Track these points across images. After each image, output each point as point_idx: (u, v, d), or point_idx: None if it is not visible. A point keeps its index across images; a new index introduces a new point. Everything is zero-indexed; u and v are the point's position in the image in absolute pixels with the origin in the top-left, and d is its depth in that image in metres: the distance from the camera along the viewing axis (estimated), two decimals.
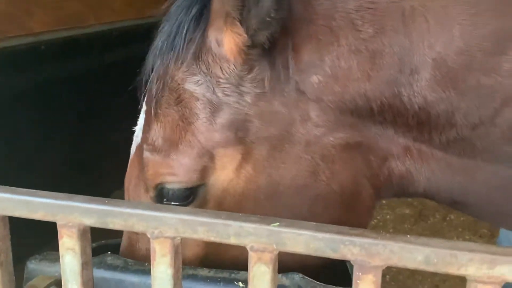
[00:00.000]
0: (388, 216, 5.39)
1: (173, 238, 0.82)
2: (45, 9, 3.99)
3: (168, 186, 1.23)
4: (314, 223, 0.81)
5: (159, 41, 1.28)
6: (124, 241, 1.35)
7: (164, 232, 0.81)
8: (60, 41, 4.12)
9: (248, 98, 1.20)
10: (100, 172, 4.40)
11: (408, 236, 0.78)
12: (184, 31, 1.22)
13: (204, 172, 1.21)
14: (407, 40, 1.17)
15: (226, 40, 1.18)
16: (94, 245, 1.23)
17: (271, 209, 1.23)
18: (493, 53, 1.16)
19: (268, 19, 1.11)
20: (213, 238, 0.81)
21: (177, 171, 1.21)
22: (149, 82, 1.31)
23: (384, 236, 0.78)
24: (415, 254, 0.76)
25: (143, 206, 0.84)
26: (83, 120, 4.32)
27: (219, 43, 1.19)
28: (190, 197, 1.23)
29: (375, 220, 5.31)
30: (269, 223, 0.80)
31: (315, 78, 1.19)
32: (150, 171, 1.24)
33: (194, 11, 1.22)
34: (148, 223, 0.82)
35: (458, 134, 1.22)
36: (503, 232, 1.90)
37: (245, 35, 1.14)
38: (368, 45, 1.18)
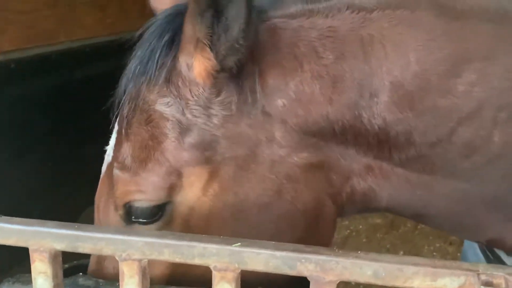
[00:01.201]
0: (360, 226, 5.48)
1: (140, 260, 0.86)
2: (15, 27, 3.99)
3: (137, 204, 1.27)
4: (273, 242, 0.87)
5: (132, 65, 1.33)
6: (92, 259, 1.39)
7: (132, 255, 0.86)
8: (29, 59, 4.13)
9: (216, 120, 1.25)
10: (73, 188, 4.39)
11: (359, 252, 0.84)
12: (157, 56, 1.27)
13: (172, 190, 1.26)
14: (366, 66, 1.24)
15: (196, 65, 1.23)
16: (66, 266, 1.26)
17: (236, 227, 1.28)
18: (448, 76, 1.23)
19: (236, 45, 1.18)
20: (178, 259, 0.86)
21: (146, 189, 1.25)
22: (121, 103, 1.35)
23: (337, 253, 0.84)
24: (365, 269, 0.82)
25: (111, 231, 0.89)
26: (55, 136, 4.31)
27: (189, 67, 1.25)
28: (157, 214, 1.27)
29: (348, 231, 5.40)
30: (231, 244, 0.86)
31: (280, 102, 1.25)
32: (120, 189, 1.28)
33: (166, 37, 1.28)
34: (116, 246, 0.87)
35: (417, 152, 1.29)
36: (467, 241, 1.97)
37: (214, 60, 1.20)
38: (330, 70, 1.25)
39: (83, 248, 0.88)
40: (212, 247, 0.85)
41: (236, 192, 1.27)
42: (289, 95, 1.25)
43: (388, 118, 1.25)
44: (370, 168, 1.33)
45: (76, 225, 0.90)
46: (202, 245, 0.85)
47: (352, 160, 1.32)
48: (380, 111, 1.25)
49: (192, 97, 1.24)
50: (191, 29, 1.19)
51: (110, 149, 1.37)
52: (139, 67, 1.30)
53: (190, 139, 1.24)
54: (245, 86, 1.25)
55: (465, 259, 1.95)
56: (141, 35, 1.34)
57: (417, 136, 1.26)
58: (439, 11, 1.25)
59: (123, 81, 1.34)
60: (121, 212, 1.30)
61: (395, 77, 1.23)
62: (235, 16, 1.14)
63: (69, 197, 4.45)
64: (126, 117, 1.30)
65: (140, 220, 1.27)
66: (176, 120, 1.25)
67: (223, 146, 1.25)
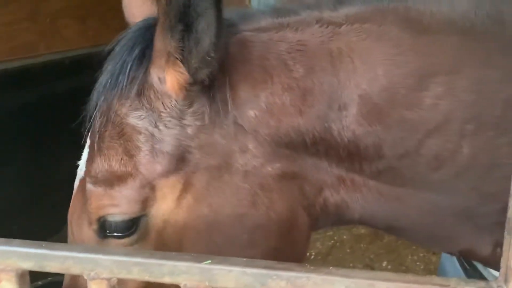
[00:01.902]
0: (344, 237, 5.48)
1: (109, 279, 0.85)
2: None
3: (111, 218, 1.26)
4: (244, 259, 0.86)
5: (103, 79, 1.33)
6: (66, 276, 1.37)
7: (100, 274, 0.84)
8: (9, 71, 4.09)
9: (189, 130, 1.25)
10: (53, 202, 4.34)
11: (331, 268, 0.83)
12: (128, 70, 1.27)
13: (146, 202, 1.25)
14: (335, 79, 1.25)
15: (168, 78, 1.24)
16: (40, 283, 1.24)
17: (211, 239, 1.27)
18: (415, 89, 1.24)
19: (207, 58, 1.18)
20: (147, 277, 0.84)
21: (119, 202, 1.25)
22: (92, 117, 1.34)
23: (308, 269, 0.83)
24: (337, 285, 0.81)
25: (79, 249, 0.87)
26: (36, 150, 4.27)
27: (161, 81, 1.25)
28: (132, 228, 1.26)
29: (332, 241, 5.40)
30: (201, 261, 0.84)
31: (251, 113, 1.26)
32: (93, 204, 1.27)
33: (137, 51, 1.28)
34: (84, 265, 0.85)
35: (387, 164, 1.30)
36: (445, 255, 1.98)
37: (186, 74, 1.21)
38: (300, 83, 1.26)
39: (50, 267, 0.86)
40: (182, 265, 0.83)
41: (210, 203, 1.26)
42: (260, 106, 1.26)
43: (357, 131, 1.26)
44: (343, 180, 1.34)
45: (43, 243, 0.88)
46: (172, 263, 0.83)
47: (325, 172, 1.33)
48: (349, 124, 1.26)
49: (165, 109, 1.25)
50: (162, 43, 1.20)
51: (82, 163, 1.36)
52: (110, 80, 1.30)
53: (164, 151, 1.24)
54: (216, 97, 1.25)
55: (443, 269, 1.96)
56: (112, 49, 1.34)
57: (386, 149, 1.27)
58: (406, 25, 1.27)
59: (94, 95, 1.34)
60: (95, 227, 1.29)
61: (364, 90, 1.24)
62: (205, 29, 1.14)
63: (50, 211, 4.40)
64: (98, 131, 1.29)
65: (114, 234, 1.27)
66: (149, 133, 1.25)
67: (197, 156, 1.25)
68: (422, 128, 1.26)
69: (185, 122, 1.25)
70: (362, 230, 5.57)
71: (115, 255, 0.85)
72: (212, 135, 1.26)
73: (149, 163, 1.25)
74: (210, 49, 1.17)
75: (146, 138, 1.25)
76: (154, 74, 1.25)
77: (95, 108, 1.33)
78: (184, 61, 1.19)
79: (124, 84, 1.27)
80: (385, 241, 5.40)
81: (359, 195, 1.35)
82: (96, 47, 4.30)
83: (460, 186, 1.31)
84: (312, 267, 0.84)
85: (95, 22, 4.78)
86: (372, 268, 5.04)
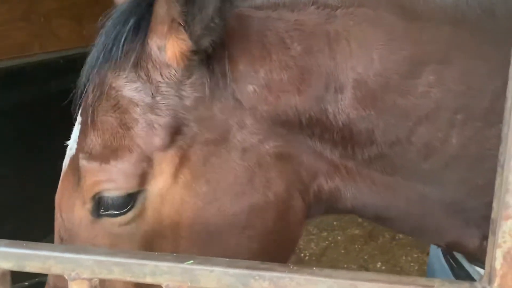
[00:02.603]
0: (339, 237, 5.48)
1: (90, 280, 0.84)
2: None
3: (107, 194, 1.23)
4: (227, 259, 0.85)
5: (95, 52, 1.30)
6: (50, 277, 1.35)
7: (81, 274, 0.84)
8: (3, 71, 4.07)
9: (187, 102, 1.23)
10: (46, 203, 4.34)
11: (314, 268, 0.83)
12: (122, 42, 1.25)
13: (144, 177, 1.23)
14: (332, 61, 1.26)
15: (170, 46, 1.21)
16: (26, 283, 1.23)
17: (209, 218, 1.26)
18: (408, 76, 1.25)
19: (212, 24, 1.17)
20: (129, 277, 0.84)
21: (116, 177, 1.22)
22: (84, 92, 1.32)
23: (291, 269, 0.83)
24: (320, 286, 0.81)
25: (60, 249, 0.86)
26: (29, 150, 4.25)
27: (160, 50, 1.22)
28: (129, 204, 1.23)
29: (327, 242, 5.40)
30: (183, 261, 0.84)
31: (250, 88, 1.26)
32: (88, 180, 1.24)
33: (131, 22, 1.26)
34: (65, 265, 0.84)
35: (378, 151, 1.30)
36: (432, 249, 1.99)
37: (189, 41, 1.19)
38: (297, 62, 1.26)
39: (30, 267, 0.86)
40: (164, 265, 0.83)
41: (208, 179, 1.25)
42: (259, 82, 1.26)
43: (352, 115, 1.27)
44: (336, 167, 1.34)
45: (24, 243, 0.87)
46: (153, 263, 0.83)
47: (320, 158, 1.33)
48: (344, 107, 1.27)
49: (163, 79, 1.23)
50: (165, 8, 1.17)
51: (72, 142, 1.33)
52: (103, 53, 1.27)
53: (161, 122, 1.23)
54: (216, 69, 1.25)
55: (431, 268, 1.97)
56: (103, 24, 1.32)
57: (378, 135, 1.28)
58: (400, 12, 1.27)
59: (85, 70, 1.32)
60: (89, 205, 1.26)
61: (359, 74, 1.25)
62: None
63: (45, 211, 4.38)
64: (91, 106, 1.26)
65: (110, 212, 1.24)
66: (146, 105, 1.23)
67: (194, 129, 1.24)
68: (413, 116, 1.26)
69: (183, 93, 1.23)
70: (356, 231, 5.57)
71: (97, 255, 0.84)
72: (211, 108, 1.25)
73: (146, 136, 1.23)
74: (215, 15, 1.15)
75: (143, 110, 1.23)
76: (154, 44, 1.23)
77: (87, 83, 1.31)
78: (187, 28, 1.17)
79: (119, 56, 1.25)
80: (380, 242, 5.41)
81: (352, 183, 1.35)
82: (90, 47, 4.29)
83: (449, 177, 1.31)
84: (295, 267, 0.84)
85: (90, 22, 4.75)
86: (366, 269, 5.04)
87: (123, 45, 1.25)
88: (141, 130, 1.23)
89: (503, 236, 0.78)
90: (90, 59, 1.32)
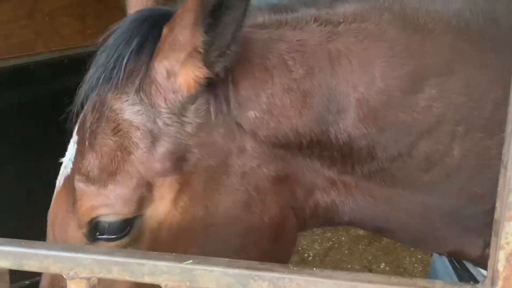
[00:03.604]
0: (343, 238, 5.46)
1: (88, 279, 0.83)
2: None
3: (104, 219, 1.22)
4: (226, 259, 0.84)
5: (96, 72, 1.29)
6: (45, 275, 1.34)
7: (80, 273, 0.83)
8: (7, 70, 4.08)
9: (189, 128, 1.22)
10: (49, 203, 4.34)
11: (314, 269, 0.82)
12: (124, 63, 1.23)
13: (142, 202, 1.22)
14: (333, 81, 1.24)
15: (183, 72, 1.20)
16: (27, 282, 1.22)
17: (205, 242, 1.25)
18: (410, 91, 1.24)
19: (227, 51, 1.17)
20: (128, 277, 0.83)
21: (114, 203, 1.21)
22: (82, 112, 1.31)
23: (291, 270, 0.82)
24: (319, 286, 0.80)
25: (58, 247, 0.86)
26: (34, 148, 4.26)
27: (170, 74, 1.21)
28: (126, 229, 1.23)
29: (330, 243, 5.38)
30: (182, 261, 0.83)
31: (251, 113, 1.25)
32: (85, 205, 1.23)
33: (134, 43, 1.25)
34: (64, 264, 0.84)
35: (379, 166, 1.29)
36: (436, 255, 1.97)
37: (204, 68, 1.18)
38: (300, 85, 1.25)
39: (29, 266, 0.85)
40: (163, 265, 0.82)
41: (206, 204, 1.24)
42: (260, 107, 1.24)
43: (353, 133, 1.26)
44: (334, 183, 1.33)
45: (22, 241, 0.87)
46: (152, 262, 0.82)
47: (317, 175, 1.32)
48: (346, 127, 1.25)
49: (166, 104, 1.21)
50: (189, 37, 1.15)
51: (67, 160, 1.32)
52: (104, 74, 1.26)
53: (162, 148, 1.21)
54: (219, 94, 1.24)
55: (434, 269, 1.96)
56: (104, 42, 1.31)
57: (379, 151, 1.27)
58: (402, 24, 1.26)
59: (84, 89, 1.30)
60: (85, 229, 1.24)
61: (361, 94, 1.24)
62: (231, 22, 1.13)
63: (46, 211, 4.38)
64: (89, 127, 1.25)
65: (106, 236, 1.23)
66: (147, 129, 1.21)
67: (196, 156, 1.23)
68: (415, 130, 1.25)
69: (185, 119, 1.22)
70: (360, 231, 5.54)
71: (95, 254, 0.83)
72: (212, 134, 1.24)
73: (147, 161, 1.21)
74: (232, 42, 1.16)
75: (144, 135, 1.21)
76: (162, 68, 1.21)
77: (85, 103, 1.30)
78: (204, 55, 1.17)
79: (120, 78, 1.23)
80: (383, 243, 5.38)
81: (350, 198, 1.34)
82: (95, 46, 4.28)
83: (450, 187, 1.31)
84: (295, 268, 0.83)
85: (94, 21, 4.76)
86: (370, 270, 5.03)
87: (125, 67, 1.23)
88: (141, 155, 1.21)
89: (506, 237, 0.77)
90: (89, 79, 1.30)
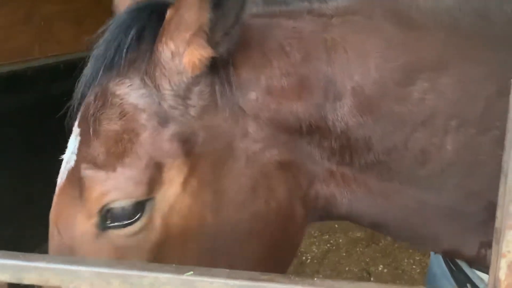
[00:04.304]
0: (340, 240, 5.46)
1: None
2: None
3: (115, 204, 1.21)
4: (227, 270, 0.84)
5: (96, 62, 1.29)
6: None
7: (79, 286, 0.83)
8: (4, 75, 4.07)
9: (193, 111, 1.24)
10: (47, 207, 4.32)
11: (315, 279, 0.82)
12: (125, 50, 1.24)
13: (152, 185, 1.21)
14: (329, 69, 1.27)
15: (189, 52, 1.21)
16: None
17: (215, 227, 1.26)
18: (404, 84, 1.26)
19: (232, 31, 1.20)
20: None
21: (125, 185, 1.20)
22: (83, 105, 1.31)
23: (292, 280, 0.82)
24: None
25: (58, 260, 0.85)
26: (30, 153, 4.25)
27: (174, 56, 1.22)
28: (137, 214, 1.21)
29: (328, 245, 5.38)
30: (183, 273, 0.83)
31: (253, 95, 1.27)
32: (94, 191, 1.22)
33: (134, 31, 1.26)
34: (63, 277, 0.83)
35: (375, 158, 1.31)
36: (433, 254, 1.97)
37: (209, 47, 1.20)
38: (297, 70, 1.27)
39: (28, 279, 0.84)
40: (163, 277, 0.81)
41: (215, 189, 1.25)
42: (261, 89, 1.27)
43: (350, 122, 1.28)
44: (333, 175, 1.35)
45: (21, 254, 0.86)
46: (153, 274, 0.82)
47: (317, 165, 1.34)
48: (343, 115, 1.28)
49: (171, 86, 1.23)
50: (196, 16, 1.17)
51: (70, 154, 1.30)
52: (104, 64, 1.26)
53: (169, 130, 1.22)
54: (222, 77, 1.25)
55: (431, 271, 1.96)
56: (101, 35, 1.32)
57: (375, 142, 1.29)
58: (395, 20, 1.28)
59: (84, 81, 1.31)
60: (95, 218, 1.23)
61: (356, 82, 1.26)
62: (236, 1, 1.15)
63: (44, 217, 4.36)
64: (93, 115, 1.25)
65: (117, 223, 1.22)
66: (153, 111, 1.22)
67: (201, 139, 1.24)
68: (410, 122, 1.27)
69: (189, 102, 1.23)
70: (358, 233, 5.55)
71: (95, 267, 0.83)
72: (216, 117, 1.25)
73: (155, 142, 1.22)
74: (235, 21, 1.18)
75: (150, 116, 1.22)
76: (167, 50, 1.22)
77: (85, 94, 1.30)
78: (210, 34, 1.19)
79: (122, 65, 1.24)
80: (381, 245, 5.39)
81: (348, 190, 1.35)
82: (91, 51, 4.27)
83: (445, 183, 1.32)
84: (296, 278, 0.82)
85: (91, 26, 4.75)
86: (368, 272, 5.03)
87: (126, 53, 1.24)
88: (148, 136, 1.22)
89: (507, 245, 0.77)
90: (89, 70, 1.30)
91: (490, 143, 1.27)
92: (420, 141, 1.28)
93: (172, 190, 1.23)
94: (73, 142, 1.31)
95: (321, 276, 4.97)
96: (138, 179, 1.20)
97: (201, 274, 0.83)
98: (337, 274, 5.00)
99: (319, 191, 1.35)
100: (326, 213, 1.40)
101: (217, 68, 1.25)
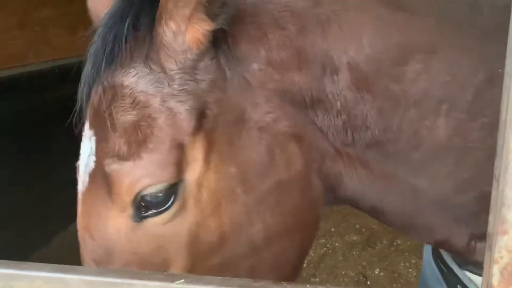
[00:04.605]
0: (337, 244, 5.46)
1: None
2: None
3: (148, 191, 1.21)
4: (219, 277, 0.83)
5: (95, 58, 1.29)
6: None
7: None
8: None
9: (203, 85, 1.25)
10: (44, 213, 4.30)
11: (308, 286, 0.81)
12: (123, 40, 1.24)
13: (179, 166, 1.22)
14: (325, 43, 1.29)
15: (191, 29, 1.22)
16: None
17: (244, 198, 1.27)
18: (398, 62, 1.29)
19: (228, 1, 1.21)
20: None
21: (153, 170, 1.21)
22: (89, 105, 1.30)
23: (285, 286, 0.81)
24: None
25: (48, 269, 0.84)
26: (25, 159, 4.23)
27: (177, 35, 1.22)
28: (170, 197, 1.22)
29: (324, 249, 5.38)
30: (173, 280, 0.82)
31: (255, 66, 1.28)
32: (124, 183, 1.22)
33: (129, 19, 1.25)
34: (54, 285, 0.82)
35: (373, 137, 1.33)
36: (425, 254, 1.98)
37: (209, 21, 1.21)
38: (293, 42, 1.29)
39: (18, 287, 0.84)
40: (153, 285, 0.81)
41: (235, 162, 1.27)
42: (262, 60, 1.29)
43: (348, 97, 1.31)
44: (340, 154, 1.37)
45: (11, 262, 0.86)
46: (143, 282, 0.81)
47: (325, 143, 1.36)
48: (341, 89, 1.30)
49: (177, 66, 1.23)
50: None
51: (87, 157, 1.30)
52: (105, 57, 1.26)
53: (184, 107, 1.23)
54: (224, 49, 1.27)
55: (423, 273, 1.97)
56: (94, 31, 1.31)
57: (371, 119, 1.32)
58: (385, 2, 1.31)
59: (86, 80, 1.30)
60: (130, 210, 1.23)
61: (351, 57, 1.29)
62: None
63: (41, 221, 4.35)
64: (105, 112, 1.25)
65: (153, 211, 1.23)
66: (165, 94, 1.23)
67: (215, 112, 1.26)
68: (403, 102, 1.30)
69: (198, 77, 1.24)
70: (354, 237, 5.56)
71: (85, 275, 0.82)
72: (225, 90, 1.27)
73: (174, 123, 1.23)
74: None
75: (164, 99, 1.22)
76: (168, 31, 1.22)
77: (89, 93, 1.30)
78: (208, 7, 1.19)
79: (123, 55, 1.24)
80: (378, 249, 5.39)
81: (353, 171, 1.38)
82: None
83: (438, 169, 1.35)
84: (288, 285, 0.82)
85: (85, 31, 4.75)
86: (365, 276, 5.02)
87: (125, 43, 1.24)
88: (167, 118, 1.23)
89: (499, 251, 0.77)
90: (89, 68, 1.30)
91: (479, 130, 1.30)
92: (413, 123, 1.31)
93: (198, 168, 1.24)
94: (88, 145, 1.31)
95: (317, 280, 4.96)
96: (165, 162, 1.21)
97: (192, 282, 0.82)
98: (333, 278, 4.99)
99: (330, 169, 1.38)
100: (332, 194, 1.42)
101: (219, 41, 1.26)
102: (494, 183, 0.79)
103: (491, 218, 0.80)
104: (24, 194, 4.17)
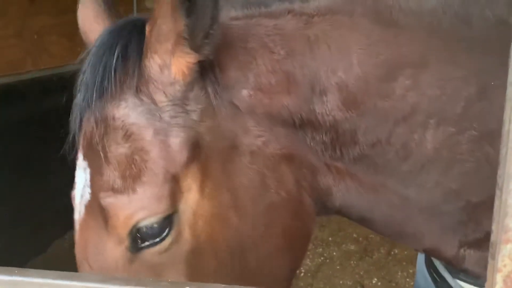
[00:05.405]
0: (334, 253, 5.46)
1: None
2: None
3: (143, 223, 1.22)
4: (222, 285, 0.83)
5: (85, 91, 1.28)
6: None
7: None
8: None
9: (194, 116, 1.25)
10: (39, 221, 4.28)
11: None
12: (113, 72, 1.24)
13: (174, 197, 1.23)
14: (313, 64, 1.31)
15: (175, 62, 1.23)
16: None
17: (239, 224, 1.29)
18: (386, 79, 1.30)
19: (211, 31, 1.21)
20: None
21: (148, 203, 1.21)
22: (82, 138, 1.30)
23: None
24: None
25: (53, 276, 0.84)
26: (21, 168, 4.22)
27: (162, 68, 1.23)
28: (166, 228, 1.23)
29: (322, 258, 5.37)
30: None
31: (244, 92, 1.30)
32: (121, 216, 1.22)
33: (118, 50, 1.25)
34: None
35: (361, 151, 1.35)
36: (418, 264, 1.98)
37: (193, 52, 1.22)
38: (282, 66, 1.31)
39: None
40: None
41: (229, 188, 1.28)
42: (251, 86, 1.30)
43: (337, 116, 1.32)
44: (329, 168, 1.39)
45: (16, 269, 0.85)
46: None
47: (315, 159, 1.38)
48: (330, 109, 1.32)
49: (167, 98, 1.24)
50: (171, 25, 1.19)
51: (81, 188, 1.30)
52: (95, 89, 1.26)
53: (176, 139, 1.23)
54: (212, 78, 1.28)
55: (416, 282, 1.98)
56: (84, 60, 1.31)
57: (360, 136, 1.34)
58: (375, 18, 1.32)
59: (77, 112, 1.30)
60: (126, 242, 1.24)
61: (340, 78, 1.31)
62: (207, 2, 1.16)
63: (36, 230, 4.33)
64: (98, 144, 1.25)
65: (149, 242, 1.23)
66: (157, 126, 1.23)
67: (207, 140, 1.26)
68: (392, 117, 1.31)
69: (188, 108, 1.25)
70: (351, 246, 5.55)
71: (90, 282, 0.82)
72: (216, 118, 1.27)
73: (167, 155, 1.23)
74: (213, 22, 1.19)
75: (156, 132, 1.23)
76: (154, 64, 1.23)
77: (81, 127, 1.30)
78: (190, 40, 1.20)
79: (113, 87, 1.24)
80: (375, 258, 5.39)
81: (342, 184, 1.40)
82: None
83: (426, 180, 1.36)
84: None
85: (83, 39, 4.75)
86: (362, 285, 5.01)
87: (115, 75, 1.24)
88: (160, 151, 1.23)
89: (503, 260, 0.77)
90: (80, 99, 1.30)
91: (467, 143, 1.32)
92: (402, 136, 1.33)
93: (192, 198, 1.25)
94: (82, 175, 1.31)
95: None
96: (160, 194, 1.22)
97: None
98: (331, 287, 4.98)
99: (320, 183, 1.39)
100: (323, 206, 1.44)
101: (207, 71, 1.27)
102: (497, 192, 0.79)
103: (494, 227, 0.80)
104: (20, 202, 4.15)
